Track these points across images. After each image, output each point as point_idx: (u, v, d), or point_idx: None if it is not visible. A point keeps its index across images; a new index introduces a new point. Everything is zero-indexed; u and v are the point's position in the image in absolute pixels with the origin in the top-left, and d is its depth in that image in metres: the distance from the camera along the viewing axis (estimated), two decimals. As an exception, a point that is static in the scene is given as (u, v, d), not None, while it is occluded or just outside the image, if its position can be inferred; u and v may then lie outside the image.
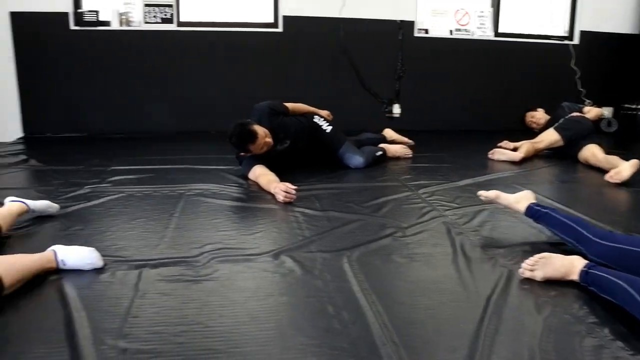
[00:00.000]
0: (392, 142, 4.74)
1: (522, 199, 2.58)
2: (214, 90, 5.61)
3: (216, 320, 1.79)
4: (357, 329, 1.75)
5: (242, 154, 3.61)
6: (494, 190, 2.68)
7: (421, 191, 3.38)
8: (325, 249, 2.42)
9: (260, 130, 3.49)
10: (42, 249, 2.18)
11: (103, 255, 2.22)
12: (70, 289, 1.99)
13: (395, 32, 5.75)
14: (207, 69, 5.57)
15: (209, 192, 3.30)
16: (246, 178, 3.59)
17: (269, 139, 3.53)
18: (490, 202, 2.70)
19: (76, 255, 2.16)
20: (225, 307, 1.88)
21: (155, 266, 2.20)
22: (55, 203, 2.84)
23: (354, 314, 1.84)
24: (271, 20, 5.72)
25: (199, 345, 1.65)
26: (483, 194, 2.70)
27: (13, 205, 2.61)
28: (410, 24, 5.89)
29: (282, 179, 3.30)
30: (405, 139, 4.86)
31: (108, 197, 3.17)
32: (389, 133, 4.90)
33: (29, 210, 2.66)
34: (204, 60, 5.56)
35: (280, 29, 5.68)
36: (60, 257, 2.13)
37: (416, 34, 5.96)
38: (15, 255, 2.09)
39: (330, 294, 2.00)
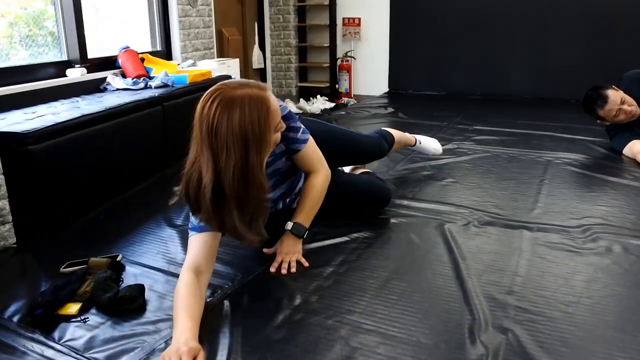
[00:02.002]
0: None
1: None
2: (579, 57, 5.19)
3: (606, 299, 1.67)
4: None
5: (599, 121, 3.31)
6: None
7: None
8: None
9: (613, 95, 3.13)
10: (422, 192, 2.35)
11: (479, 211, 2.31)
12: (454, 236, 2.10)
13: None
14: (572, 34, 5.17)
15: (577, 163, 3.09)
16: (618, 152, 3.26)
17: (629, 107, 3.12)
18: None
19: (427, 140, 2.96)
20: (615, 288, 1.74)
21: (533, 229, 2.16)
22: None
23: None
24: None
25: (590, 321, 1.56)
26: None
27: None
28: None
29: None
30: None
31: (475, 155, 3.25)
32: None
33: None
34: (570, 25, 5.17)
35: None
36: (418, 138, 2.92)
37: None
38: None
39: None
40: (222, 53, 5.04)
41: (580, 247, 2.01)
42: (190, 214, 1.64)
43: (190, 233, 1.67)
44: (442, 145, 3.44)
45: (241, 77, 4.92)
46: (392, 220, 2.27)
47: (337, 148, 2.22)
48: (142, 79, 3.40)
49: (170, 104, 3.20)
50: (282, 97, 6.04)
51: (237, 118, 1.47)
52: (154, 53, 4.14)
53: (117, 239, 2.18)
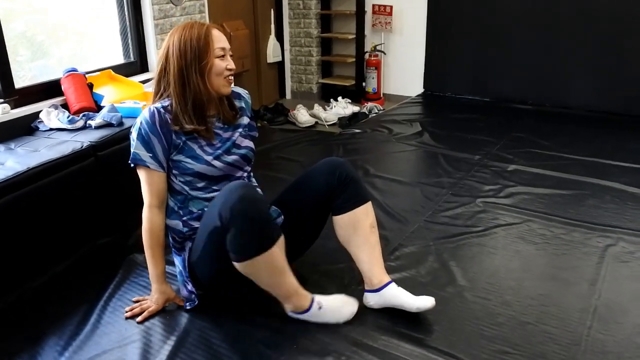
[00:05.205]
0: None
1: None
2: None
3: None
4: None
5: None
6: None
7: None
8: None
9: None
10: (396, 320, 1.57)
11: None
12: None
13: None
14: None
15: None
16: None
17: None
18: None
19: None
20: None
21: None
22: (431, 228, 2.21)
23: None
24: None
25: None
26: None
27: None
28: None
29: None
30: None
31: (498, 226, 2.40)
32: None
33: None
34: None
35: None
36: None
37: None
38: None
39: None
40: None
41: None
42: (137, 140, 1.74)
43: (139, 165, 1.75)
44: (461, 205, 2.61)
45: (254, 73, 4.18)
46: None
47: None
48: (81, 115, 2.71)
49: (107, 153, 2.50)
50: (301, 95, 5.28)
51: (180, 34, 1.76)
52: (126, 65, 3.46)
53: None
